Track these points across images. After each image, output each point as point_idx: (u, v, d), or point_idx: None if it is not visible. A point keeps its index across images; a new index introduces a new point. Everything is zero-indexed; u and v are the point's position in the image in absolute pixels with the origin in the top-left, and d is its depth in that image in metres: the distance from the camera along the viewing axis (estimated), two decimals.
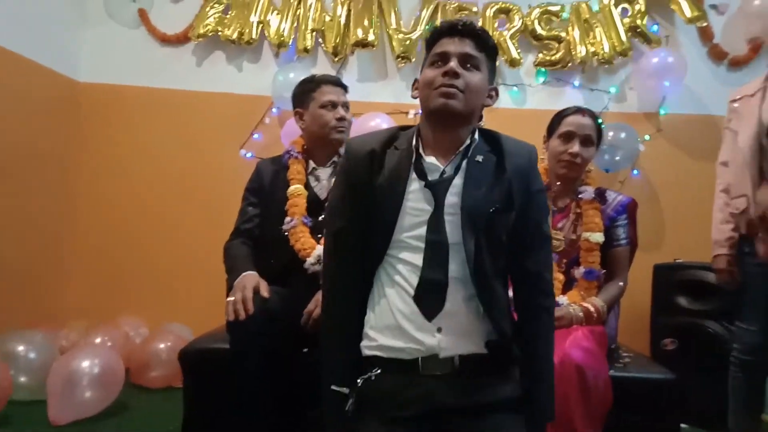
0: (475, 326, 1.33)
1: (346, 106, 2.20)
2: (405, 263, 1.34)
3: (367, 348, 1.37)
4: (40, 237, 3.29)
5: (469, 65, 1.37)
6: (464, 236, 1.31)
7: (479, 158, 1.38)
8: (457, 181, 1.36)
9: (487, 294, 1.32)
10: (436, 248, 1.32)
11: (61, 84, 3.46)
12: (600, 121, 2.17)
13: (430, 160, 1.38)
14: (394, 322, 1.33)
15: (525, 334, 1.40)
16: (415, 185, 1.37)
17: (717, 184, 2.30)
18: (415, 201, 1.35)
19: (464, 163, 1.38)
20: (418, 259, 1.32)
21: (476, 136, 1.42)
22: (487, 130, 1.46)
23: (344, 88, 2.23)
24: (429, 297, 1.31)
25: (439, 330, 1.30)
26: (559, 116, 2.12)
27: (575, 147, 2.04)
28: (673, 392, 1.89)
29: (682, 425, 2.50)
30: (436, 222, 1.33)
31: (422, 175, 1.36)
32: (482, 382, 1.31)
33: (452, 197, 1.34)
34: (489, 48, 1.42)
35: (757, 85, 2.16)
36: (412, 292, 1.31)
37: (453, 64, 1.35)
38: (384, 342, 1.33)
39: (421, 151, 1.39)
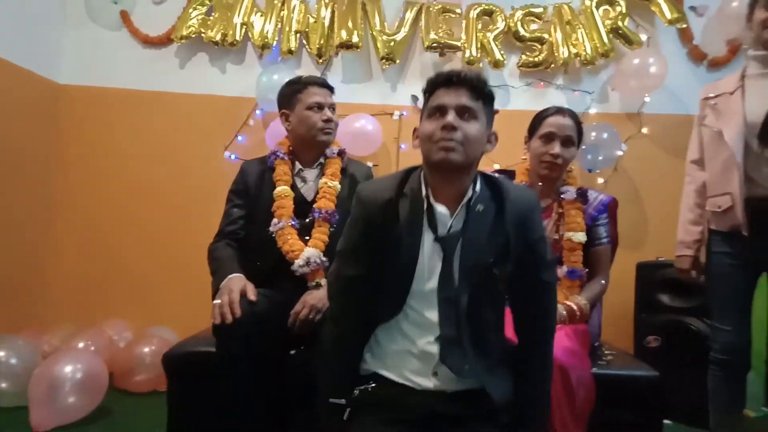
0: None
1: (332, 107, 2.20)
2: (418, 314, 1.38)
3: (363, 371, 1.43)
4: (22, 240, 3.24)
5: (466, 115, 1.37)
6: (459, 290, 1.35)
7: (480, 207, 1.39)
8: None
9: (480, 347, 1.36)
10: (449, 304, 1.35)
11: (42, 86, 3.41)
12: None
13: (440, 209, 1.39)
14: (394, 365, 1.39)
15: (522, 375, 1.43)
16: (427, 237, 1.38)
17: (687, 182, 2.26)
18: (428, 253, 1.38)
19: (466, 213, 1.39)
20: (429, 312, 1.36)
21: (478, 186, 1.42)
22: (490, 177, 1.46)
23: (331, 89, 2.23)
24: (453, 353, 1.34)
25: (435, 374, 1.36)
26: (540, 117, 2.12)
27: (556, 148, 2.04)
28: (657, 389, 1.91)
29: (666, 421, 2.53)
30: (447, 277, 1.35)
31: (433, 226, 1.38)
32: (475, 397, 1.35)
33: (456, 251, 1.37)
34: (485, 95, 1.42)
35: (734, 83, 2.12)
36: (418, 343, 1.37)
37: (450, 118, 1.35)
38: (381, 372, 1.40)
39: (432, 200, 1.40)
